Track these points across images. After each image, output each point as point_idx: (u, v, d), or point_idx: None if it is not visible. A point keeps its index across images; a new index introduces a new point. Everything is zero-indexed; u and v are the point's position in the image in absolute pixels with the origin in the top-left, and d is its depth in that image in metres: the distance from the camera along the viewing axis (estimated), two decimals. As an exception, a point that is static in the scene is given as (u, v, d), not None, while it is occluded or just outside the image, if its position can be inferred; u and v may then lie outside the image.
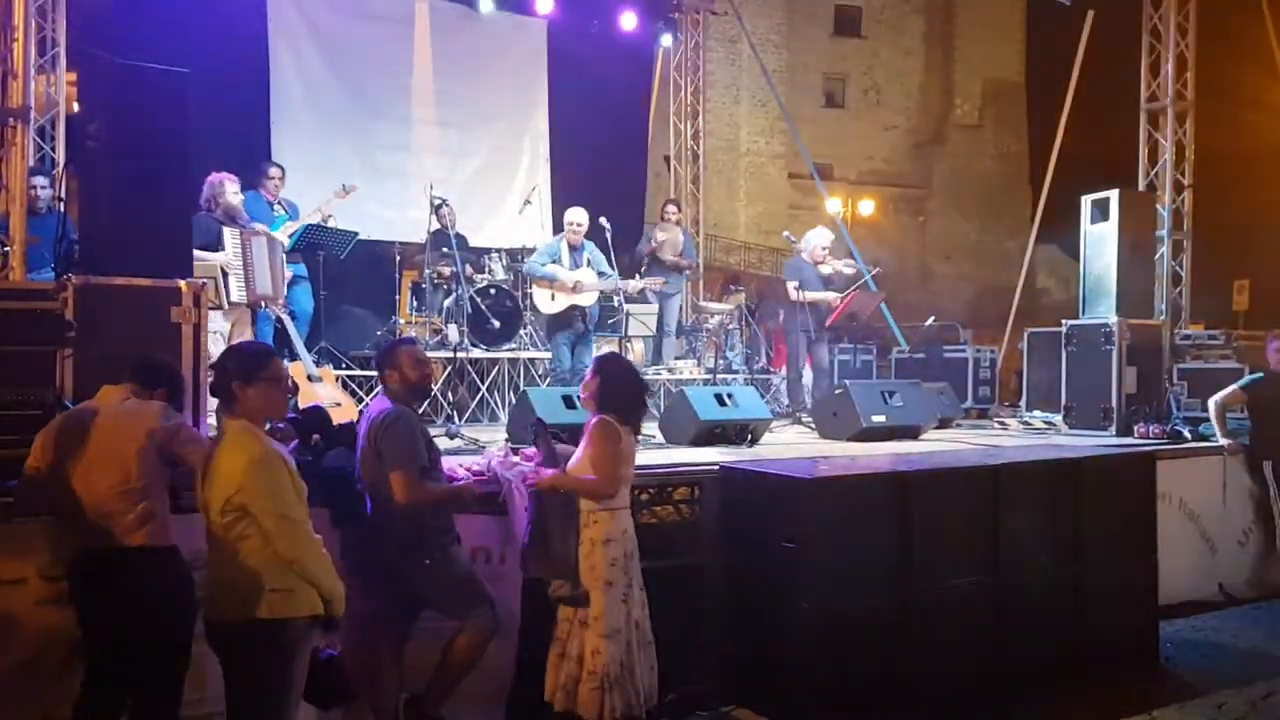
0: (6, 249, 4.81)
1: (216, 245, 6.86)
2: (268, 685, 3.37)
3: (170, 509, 3.70)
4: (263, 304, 7.34)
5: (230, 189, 7.27)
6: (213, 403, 3.88)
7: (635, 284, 8.46)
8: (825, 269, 8.77)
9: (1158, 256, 9.07)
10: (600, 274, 8.34)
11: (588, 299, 8.33)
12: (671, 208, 10.95)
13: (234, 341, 7.18)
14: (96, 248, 4.53)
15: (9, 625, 3.82)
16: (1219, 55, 10.03)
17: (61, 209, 5.03)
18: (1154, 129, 9.53)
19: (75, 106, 7.91)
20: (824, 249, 8.82)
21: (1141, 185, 9.41)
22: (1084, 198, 8.07)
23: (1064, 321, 8.09)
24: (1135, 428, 7.56)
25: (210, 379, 3.64)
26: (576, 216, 8.41)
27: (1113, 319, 7.68)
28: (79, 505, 3.52)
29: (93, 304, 4.36)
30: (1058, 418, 8.17)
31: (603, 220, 8.27)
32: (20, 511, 3.75)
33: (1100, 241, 7.97)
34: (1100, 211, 7.99)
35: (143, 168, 4.53)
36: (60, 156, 7.92)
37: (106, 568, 3.48)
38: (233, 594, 3.32)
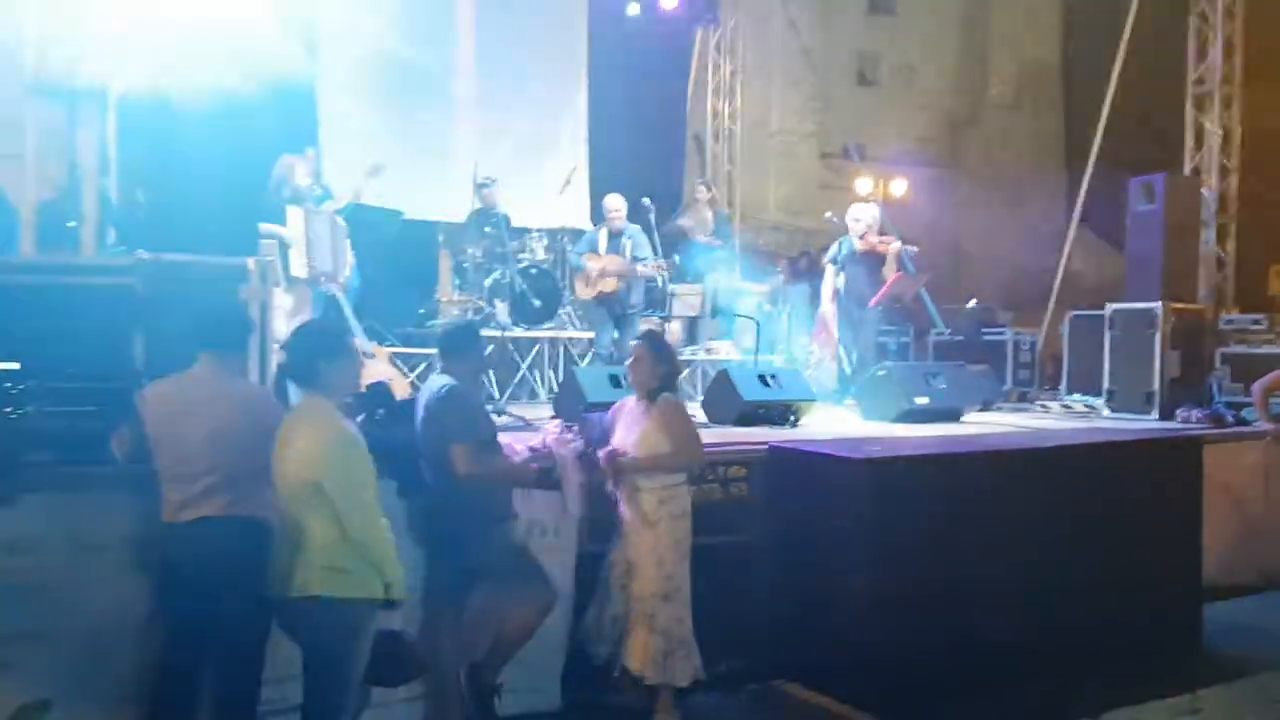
0: (75, 225, 4.92)
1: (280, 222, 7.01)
2: (336, 665, 3.44)
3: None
4: (322, 280, 7.46)
5: (301, 170, 7.40)
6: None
7: (644, 269, 8.40)
8: (860, 246, 8.55)
9: (1202, 241, 9.02)
10: (635, 258, 8.35)
11: (610, 285, 8.36)
12: (700, 188, 10.93)
13: (296, 319, 7.31)
14: (167, 224, 4.63)
15: (91, 591, 3.93)
16: (1266, 39, 9.92)
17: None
18: (1200, 113, 9.46)
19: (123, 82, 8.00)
20: (858, 221, 8.55)
21: (1187, 169, 9.36)
22: (1131, 180, 8.05)
23: (1108, 305, 8.08)
24: (1178, 412, 7.56)
25: (284, 357, 3.67)
26: (613, 203, 8.45)
27: (1157, 303, 7.67)
28: (169, 474, 3.62)
29: (162, 281, 4.46)
30: (1098, 401, 8.17)
31: (645, 200, 8.31)
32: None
33: (1146, 225, 7.96)
34: (1146, 195, 7.97)
35: (215, 145, 4.64)
36: (112, 133, 8.01)
37: (194, 538, 3.57)
38: (295, 570, 3.38)
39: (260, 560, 3.58)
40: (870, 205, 8.81)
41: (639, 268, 8.23)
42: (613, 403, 5.33)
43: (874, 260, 8.42)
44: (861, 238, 8.50)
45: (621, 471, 4.55)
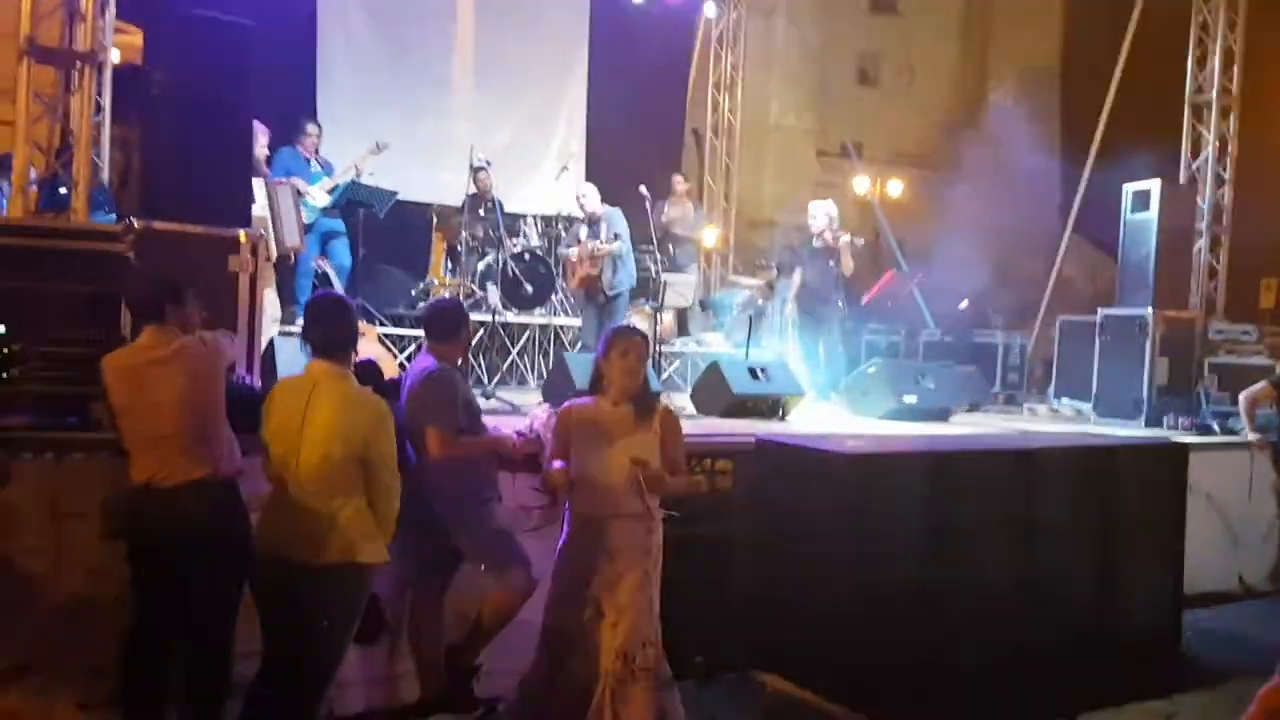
0: (67, 191, 4.88)
1: None
2: (345, 628, 3.49)
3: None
4: (291, 255, 7.42)
5: (261, 141, 7.32)
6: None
7: (599, 249, 8.26)
8: (817, 242, 8.63)
9: (1195, 250, 9.07)
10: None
11: (586, 269, 8.32)
12: (679, 179, 10.92)
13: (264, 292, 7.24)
14: (159, 194, 4.60)
15: (69, 558, 3.92)
16: (1266, 52, 9.97)
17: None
18: (1198, 122, 9.51)
19: (117, 54, 7.91)
20: (815, 218, 8.64)
21: (1182, 178, 9.40)
22: (1125, 187, 8.07)
23: (1099, 310, 8.11)
24: (1164, 419, 7.60)
25: (319, 329, 3.61)
26: (580, 190, 8.48)
27: (1148, 310, 7.70)
28: (142, 441, 3.59)
29: (152, 249, 4.43)
30: (1086, 406, 8.20)
31: (643, 189, 8.30)
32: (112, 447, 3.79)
33: (1139, 232, 7.98)
34: (1141, 202, 8.00)
35: (206, 117, 4.61)
36: (107, 101, 7.95)
37: (176, 502, 3.53)
38: (330, 537, 3.40)
39: (239, 522, 3.59)
40: (826, 202, 8.90)
41: (597, 245, 8.17)
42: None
43: (829, 256, 8.50)
44: (818, 235, 8.57)
45: (655, 491, 3.70)
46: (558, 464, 3.74)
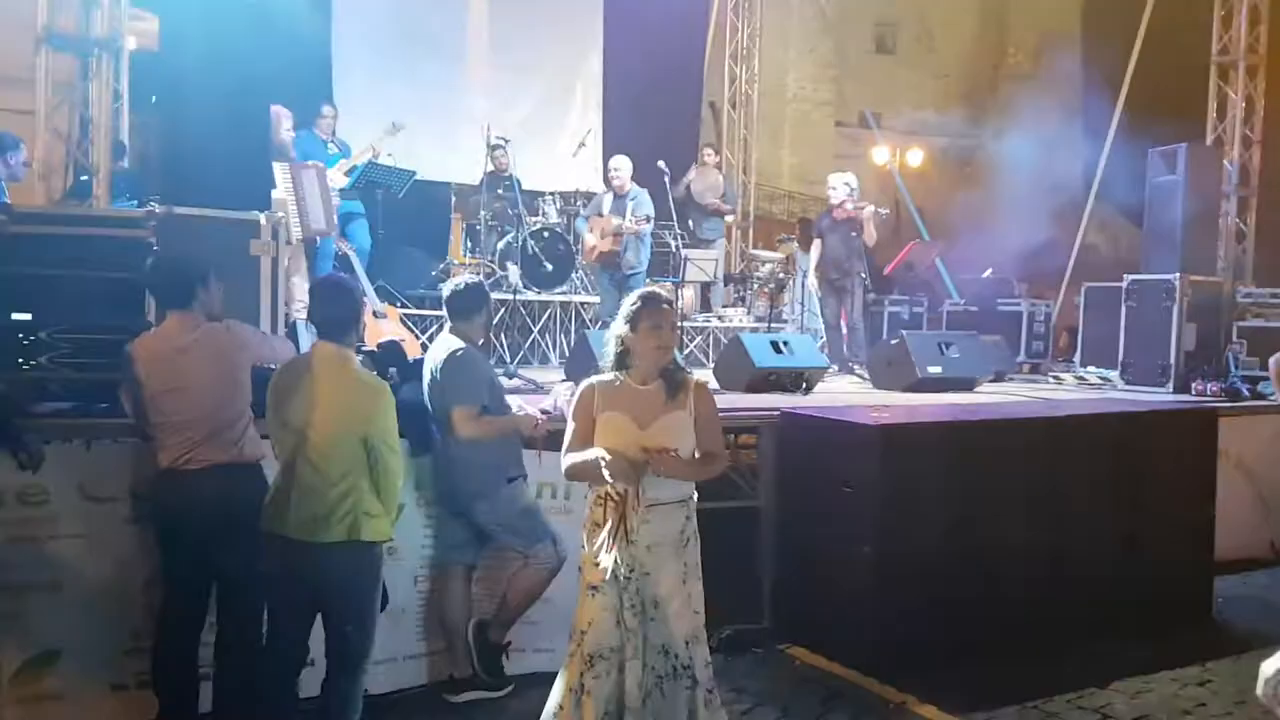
0: (88, 178, 4.90)
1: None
2: (364, 606, 3.52)
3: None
4: (317, 239, 7.41)
5: (285, 125, 7.29)
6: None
7: (627, 226, 8.14)
8: (838, 214, 8.57)
9: (1222, 213, 8.95)
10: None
11: (606, 245, 8.31)
12: (708, 150, 10.85)
13: (292, 279, 7.26)
14: (177, 179, 4.62)
15: (100, 543, 3.96)
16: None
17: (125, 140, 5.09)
18: (1223, 83, 9.36)
19: (133, 40, 7.93)
20: (834, 190, 8.61)
21: (1209, 140, 9.28)
22: (1151, 150, 7.95)
23: (1126, 276, 8.02)
24: (1193, 385, 7.51)
25: (322, 311, 3.64)
26: (614, 163, 8.41)
27: (1175, 275, 7.60)
28: (170, 424, 3.62)
29: (174, 234, 4.44)
30: (1113, 373, 8.12)
31: (661, 164, 8.24)
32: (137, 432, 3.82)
33: (1165, 196, 7.87)
34: (1167, 165, 7.88)
35: (222, 101, 4.61)
36: (125, 88, 7.97)
37: (204, 484, 3.58)
38: (334, 516, 3.42)
39: (262, 505, 3.60)
40: (846, 173, 8.83)
41: (624, 224, 8.12)
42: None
43: (851, 226, 8.45)
44: (839, 205, 8.53)
45: (668, 474, 3.33)
46: (608, 455, 3.27)
